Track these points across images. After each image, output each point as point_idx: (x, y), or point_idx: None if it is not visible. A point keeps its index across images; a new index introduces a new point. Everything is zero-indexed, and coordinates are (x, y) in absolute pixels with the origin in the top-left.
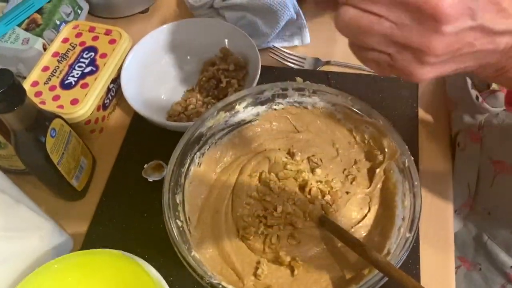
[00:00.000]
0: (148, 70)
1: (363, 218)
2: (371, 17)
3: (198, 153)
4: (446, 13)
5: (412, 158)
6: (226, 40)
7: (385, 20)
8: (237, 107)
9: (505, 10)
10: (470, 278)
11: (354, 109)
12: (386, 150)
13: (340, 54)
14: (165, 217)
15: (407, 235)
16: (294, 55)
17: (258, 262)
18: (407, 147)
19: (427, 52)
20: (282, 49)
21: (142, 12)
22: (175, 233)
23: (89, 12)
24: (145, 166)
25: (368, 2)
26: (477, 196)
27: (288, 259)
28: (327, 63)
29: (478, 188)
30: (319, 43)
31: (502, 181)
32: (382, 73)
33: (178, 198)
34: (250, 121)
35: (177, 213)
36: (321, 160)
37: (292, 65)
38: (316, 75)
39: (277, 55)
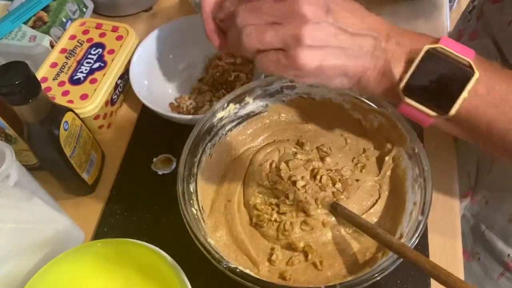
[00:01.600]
0: (155, 66)
1: (373, 205)
2: (262, 27)
3: (209, 144)
4: (305, 10)
5: (422, 144)
6: None
7: (273, 25)
8: (247, 99)
9: (361, 17)
10: (470, 268)
11: (362, 99)
12: (395, 137)
13: None
14: (181, 205)
15: (420, 218)
16: None
17: (272, 249)
18: (416, 134)
19: (300, 35)
20: None
21: (145, 11)
22: (191, 219)
23: (94, 11)
24: (154, 159)
25: (258, 15)
26: (477, 185)
27: (301, 244)
28: None
29: (478, 177)
30: None
31: (500, 167)
32: (281, 70)
33: (192, 187)
34: (259, 113)
35: (191, 201)
36: (330, 149)
37: None
38: None
39: None
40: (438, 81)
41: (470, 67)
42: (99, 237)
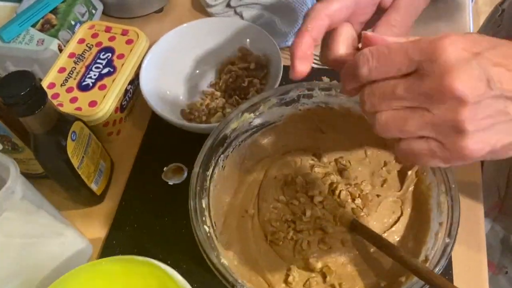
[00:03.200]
0: (166, 71)
1: (395, 223)
2: (401, 113)
3: (222, 155)
4: (461, 89)
5: None
6: (247, 40)
7: (415, 110)
8: (262, 108)
9: None
10: (496, 282)
11: None
12: None
13: None
14: (193, 223)
15: (447, 240)
16: (315, 54)
17: (289, 269)
18: None
19: (459, 122)
20: None
21: (156, 12)
22: (203, 239)
23: (103, 13)
24: (165, 169)
25: (392, 101)
26: (507, 198)
27: (319, 265)
28: None
29: (508, 190)
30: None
31: None
32: (435, 162)
33: (204, 203)
34: (274, 122)
35: (204, 218)
36: (350, 162)
37: (312, 64)
38: (338, 74)
39: None
40: None
41: None
42: (107, 250)
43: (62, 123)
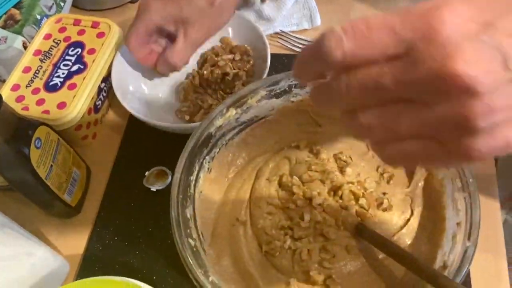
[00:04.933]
0: (142, 66)
1: (406, 223)
2: (391, 110)
3: (207, 157)
4: (469, 76)
5: None
6: (229, 29)
7: (408, 105)
8: (249, 101)
9: None
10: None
11: None
12: None
13: None
14: (175, 237)
15: (467, 244)
16: (305, 40)
17: (288, 283)
18: None
19: (471, 119)
20: (291, 33)
21: (132, 2)
22: (188, 255)
23: (73, 5)
24: (146, 173)
25: (377, 94)
26: None
27: (321, 278)
28: None
29: None
30: (331, 25)
31: None
32: (432, 163)
33: (189, 212)
34: (264, 117)
35: (188, 230)
36: (351, 158)
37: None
38: None
39: (285, 41)
40: None
41: None
42: (86, 267)
43: (23, 129)
